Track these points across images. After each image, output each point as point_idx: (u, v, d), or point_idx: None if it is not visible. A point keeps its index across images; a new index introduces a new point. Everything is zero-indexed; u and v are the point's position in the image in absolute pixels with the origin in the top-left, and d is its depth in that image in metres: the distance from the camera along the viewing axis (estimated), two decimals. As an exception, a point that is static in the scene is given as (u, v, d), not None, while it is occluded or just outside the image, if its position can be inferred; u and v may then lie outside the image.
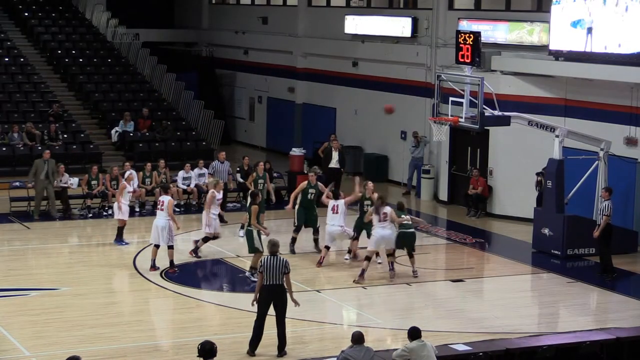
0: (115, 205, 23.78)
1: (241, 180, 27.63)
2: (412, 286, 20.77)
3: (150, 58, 39.93)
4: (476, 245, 24.94)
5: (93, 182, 27.25)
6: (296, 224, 23.03)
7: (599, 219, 22.20)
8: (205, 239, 22.48)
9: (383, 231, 20.90)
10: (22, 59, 37.50)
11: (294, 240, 22.93)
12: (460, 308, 19.65)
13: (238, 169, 27.98)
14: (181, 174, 28.30)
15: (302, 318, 18.19)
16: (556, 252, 23.58)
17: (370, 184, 22.65)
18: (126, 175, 24.65)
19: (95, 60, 38.64)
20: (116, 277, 21.20)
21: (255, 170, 26.34)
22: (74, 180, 27.32)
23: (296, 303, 16.32)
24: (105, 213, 26.96)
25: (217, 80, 41.42)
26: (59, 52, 38.55)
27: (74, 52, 38.77)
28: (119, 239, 23.50)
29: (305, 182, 23.24)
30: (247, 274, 20.70)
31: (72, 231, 25.77)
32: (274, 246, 16.33)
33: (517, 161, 27.22)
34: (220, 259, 22.57)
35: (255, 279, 19.91)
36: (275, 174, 29.35)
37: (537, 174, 25.37)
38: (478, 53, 23.61)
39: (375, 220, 20.93)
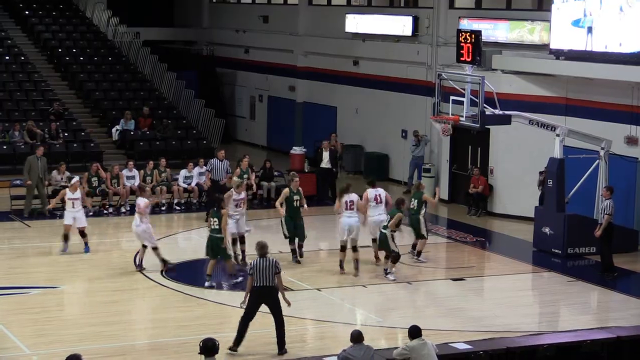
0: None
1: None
2: (412, 285, 20.77)
3: (150, 57, 39.92)
4: (477, 244, 24.93)
5: (93, 179, 27.24)
6: (287, 235, 22.01)
7: (600, 218, 22.19)
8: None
9: (349, 220, 20.93)
10: (22, 58, 37.50)
11: (293, 251, 22.11)
12: (461, 307, 19.64)
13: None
14: (183, 172, 28.31)
15: (302, 316, 18.20)
16: (557, 251, 23.56)
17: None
18: (72, 182, 23.45)
19: (95, 58, 38.65)
20: (116, 276, 21.14)
21: (239, 166, 26.24)
22: (75, 179, 27.25)
23: (288, 303, 16.28)
24: (105, 211, 26.96)
25: (218, 79, 41.42)
26: (60, 50, 38.55)
27: (74, 50, 38.77)
28: (63, 245, 22.65)
29: (287, 189, 22.28)
30: (231, 281, 20.27)
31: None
32: (262, 248, 16.23)
33: (518, 160, 27.21)
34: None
35: (211, 284, 19.91)
36: (275, 173, 29.34)
37: (541, 173, 25.33)
38: (479, 52, 23.63)
39: (342, 208, 20.98)
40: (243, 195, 21.75)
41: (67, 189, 22.94)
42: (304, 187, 23.29)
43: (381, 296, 20.17)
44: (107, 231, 25.53)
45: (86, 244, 22.75)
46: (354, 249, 21.18)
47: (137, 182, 27.58)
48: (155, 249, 21.15)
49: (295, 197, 21.96)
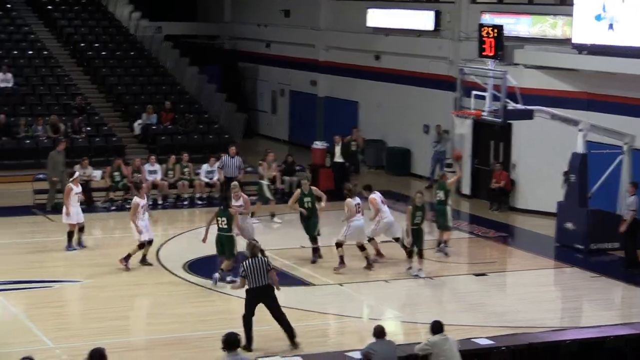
0: (64, 208, 22.40)
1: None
2: (434, 280, 20.74)
3: (172, 51, 40.01)
4: (499, 239, 24.88)
5: (116, 174, 27.29)
6: (309, 232, 21.86)
7: (625, 213, 22.07)
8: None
9: (358, 222, 20.89)
10: (45, 52, 37.62)
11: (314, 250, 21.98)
12: (483, 302, 19.62)
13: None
14: (205, 167, 28.37)
15: (324, 311, 18.21)
16: (579, 246, 23.47)
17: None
18: (75, 175, 23.02)
19: (118, 53, 38.73)
20: (138, 270, 21.19)
21: (266, 160, 26.22)
22: (97, 173, 27.41)
23: (278, 288, 16.25)
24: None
25: (240, 73, 41.44)
26: (82, 45, 38.65)
27: (97, 45, 38.86)
28: (69, 244, 22.37)
29: (298, 190, 22.14)
30: (216, 275, 19.91)
31: (94, 223, 25.68)
32: (253, 248, 16.31)
33: (540, 155, 27.12)
34: (241, 251, 22.52)
35: (232, 279, 19.82)
36: (297, 167, 29.35)
37: (565, 173, 25.08)
38: (501, 46, 23.54)
39: (353, 212, 20.82)
40: (241, 202, 21.33)
41: (71, 184, 22.55)
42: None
43: (403, 291, 20.15)
44: (129, 225, 25.55)
45: (80, 240, 22.64)
46: (362, 247, 21.13)
47: (159, 176, 27.68)
48: (149, 243, 21.16)
49: (306, 199, 21.73)
